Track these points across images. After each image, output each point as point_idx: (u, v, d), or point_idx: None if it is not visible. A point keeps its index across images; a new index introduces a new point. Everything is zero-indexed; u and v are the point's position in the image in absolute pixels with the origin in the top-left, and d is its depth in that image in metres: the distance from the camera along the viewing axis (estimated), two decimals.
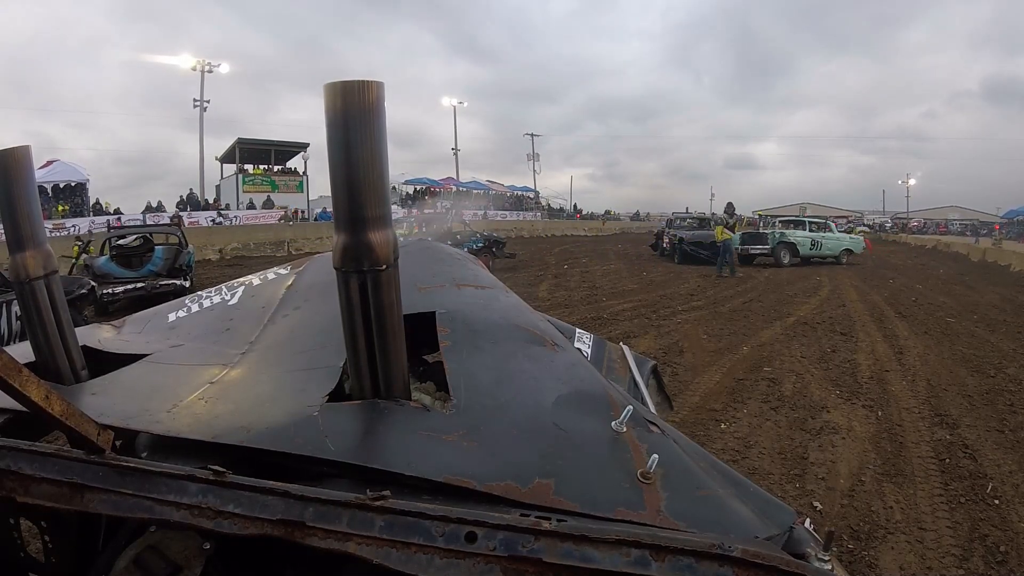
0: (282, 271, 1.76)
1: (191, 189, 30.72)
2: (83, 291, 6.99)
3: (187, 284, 10.21)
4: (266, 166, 34.73)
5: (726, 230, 15.97)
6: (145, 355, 1.35)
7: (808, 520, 0.93)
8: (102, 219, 22.53)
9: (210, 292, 1.73)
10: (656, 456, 0.86)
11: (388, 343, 0.98)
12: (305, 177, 35.19)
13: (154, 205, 28.16)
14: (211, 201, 32.00)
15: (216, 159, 35.02)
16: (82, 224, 23.14)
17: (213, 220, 26.40)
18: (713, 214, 46.60)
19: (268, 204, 31.77)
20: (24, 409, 0.71)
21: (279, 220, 29.80)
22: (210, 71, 33.77)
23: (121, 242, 11.18)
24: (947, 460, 3.91)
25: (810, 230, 19.48)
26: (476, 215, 36.31)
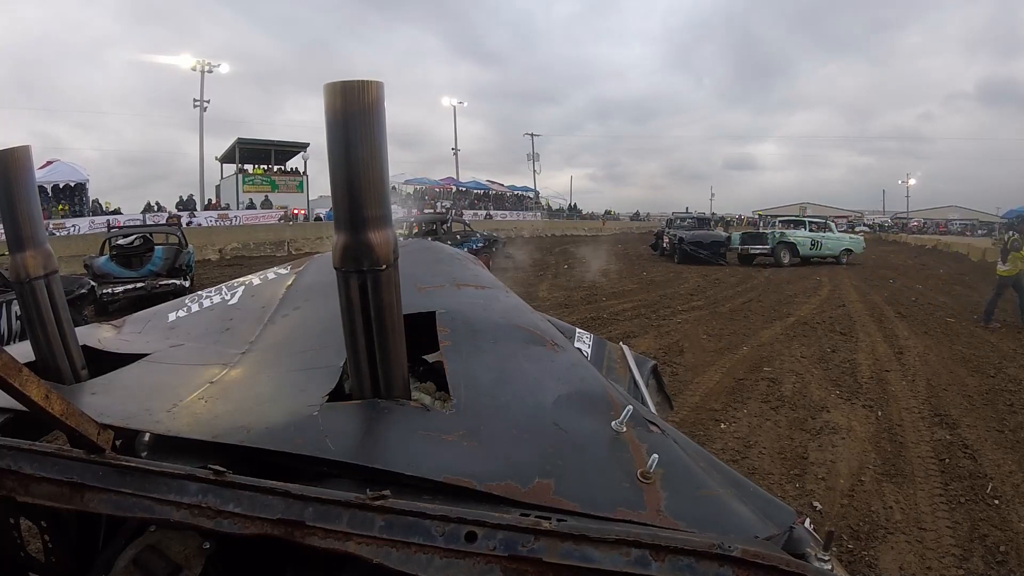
0: (282, 271, 1.76)
1: (190, 194, 30.68)
2: (83, 291, 6.99)
3: (187, 284, 10.21)
4: (266, 166, 34.74)
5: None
6: (145, 355, 1.35)
7: (808, 520, 0.92)
8: (102, 219, 22.50)
9: (210, 292, 1.73)
10: (656, 456, 0.86)
11: (388, 343, 0.98)
12: (305, 177, 35.20)
13: (154, 205, 28.14)
14: (211, 201, 31.99)
15: (216, 159, 35.06)
16: (82, 224, 23.14)
17: (187, 222, 25.65)
18: (713, 214, 46.74)
19: (267, 204, 31.76)
20: (24, 409, 0.71)
21: (279, 220, 29.80)
22: (210, 71, 33.77)
23: (121, 242, 11.18)
24: (947, 460, 3.91)
25: (810, 230, 19.47)
26: (476, 215, 36.37)
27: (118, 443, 0.90)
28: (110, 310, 9.33)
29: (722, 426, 4.50)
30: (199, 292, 1.77)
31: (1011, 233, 9.52)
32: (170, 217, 22.78)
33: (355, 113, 0.87)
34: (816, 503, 3.35)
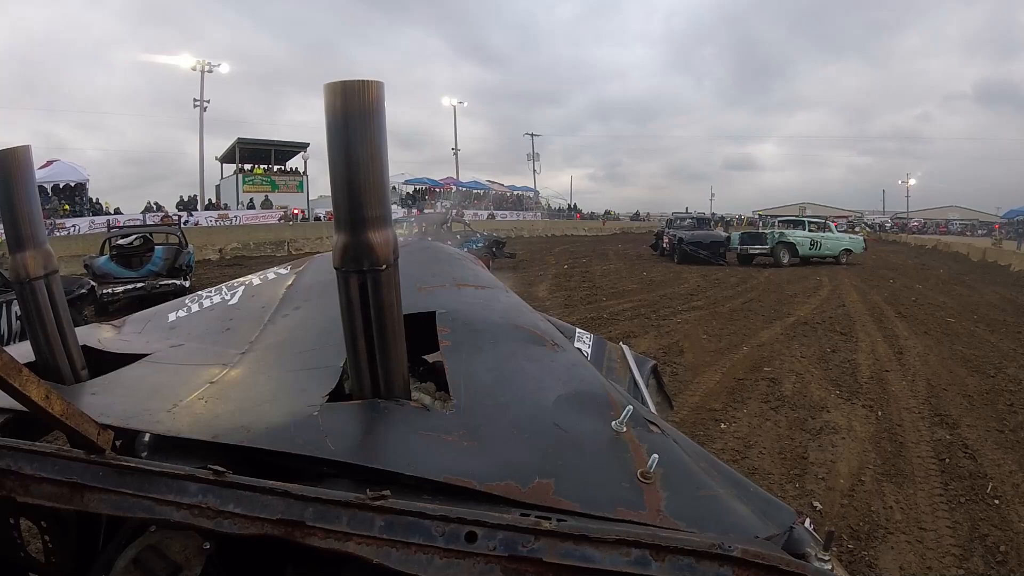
0: (282, 271, 1.76)
1: (193, 194, 30.71)
2: (83, 291, 7.00)
3: (187, 284, 10.21)
4: (266, 166, 34.74)
5: None
6: (145, 355, 1.35)
7: (808, 520, 0.93)
8: (102, 219, 22.48)
9: (210, 292, 1.73)
10: (656, 456, 0.86)
11: (388, 343, 0.98)
12: (305, 177, 35.21)
13: (154, 205, 28.15)
14: (211, 201, 32.02)
15: (216, 159, 35.08)
16: (82, 224, 23.13)
17: (184, 221, 25.07)
18: (713, 214, 46.77)
19: (267, 204, 31.76)
20: (24, 409, 0.71)
21: (279, 220, 29.83)
22: (210, 71, 33.80)
23: (121, 242, 11.18)
24: (947, 460, 3.91)
25: (809, 230, 19.47)
26: (477, 215, 36.39)
27: (118, 443, 0.90)
28: (110, 310, 9.33)
29: (722, 426, 4.50)
30: (199, 292, 1.77)
31: None
32: (164, 217, 22.43)
33: (355, 113, 0.87)
34: (816, 503, 3.35)
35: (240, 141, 33.97)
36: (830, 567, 0.76)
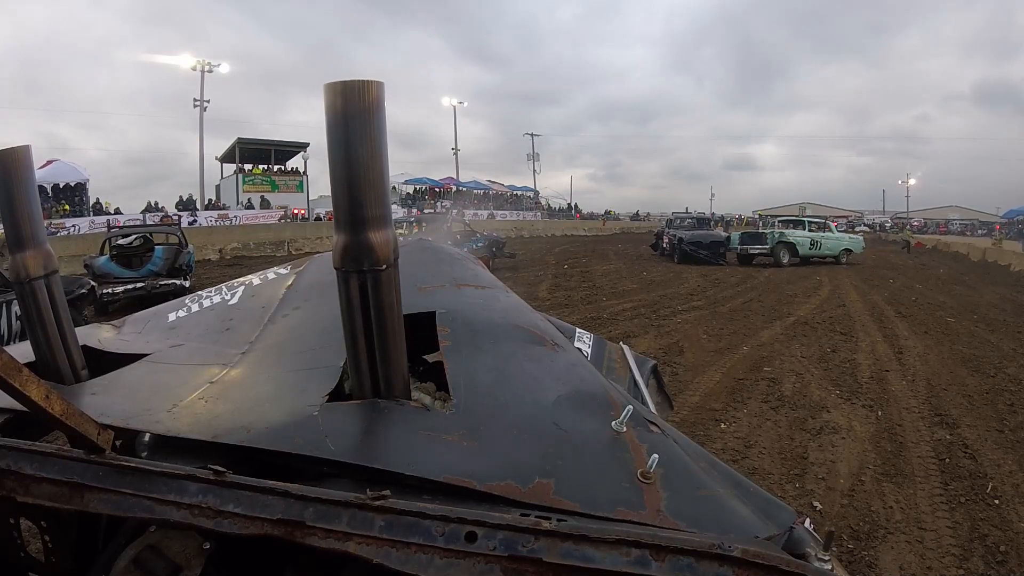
0: (282, 271, 1.76)
1: (190, 194, 30.76)
2: (83, 291, 7.00)
3: (187, 284, 10.21)
4: (266, 166, 34.74)
5: None
6: (145, 355, 1.35)
7: (808, 520, 0.92)
8: (102, 219, 22.47)
9: (210, 292, 1.73)
10: (656, 456, 0.86)
11: (388, 343, 0.98)
12: (305, 177, 35.22)
13: (155, 205, 28.14)
14: (211, 201, 32.02)
15: (216, 159, 35.07)
16: (82, 224, 23.13)
17: (189, 221, 25.32)
18: (713, 214, 46.82)
19: (265, 204, 31.74)
20: (24, 409, 0.71)
21: (279, 220, 29.83)
22: (210, 71, 33.80)
23: (121, 242, 11.19)
24: (947, 460, 3.91)
25: (809, 230, 19.47)
26: (477, 215, 36.39)
27: (118, 443, 0.90)
28: (110, 310, 9.33)
29: (722, 426, 4.50)
30: (199, 292, 1.77)
31: None
32: (164, 217, 22.35)
33: (355, 113, 0.87)
34: (816, 503, 3.35)
35: (240, 141, 33.95)
36: (830, 567, 0.76)
